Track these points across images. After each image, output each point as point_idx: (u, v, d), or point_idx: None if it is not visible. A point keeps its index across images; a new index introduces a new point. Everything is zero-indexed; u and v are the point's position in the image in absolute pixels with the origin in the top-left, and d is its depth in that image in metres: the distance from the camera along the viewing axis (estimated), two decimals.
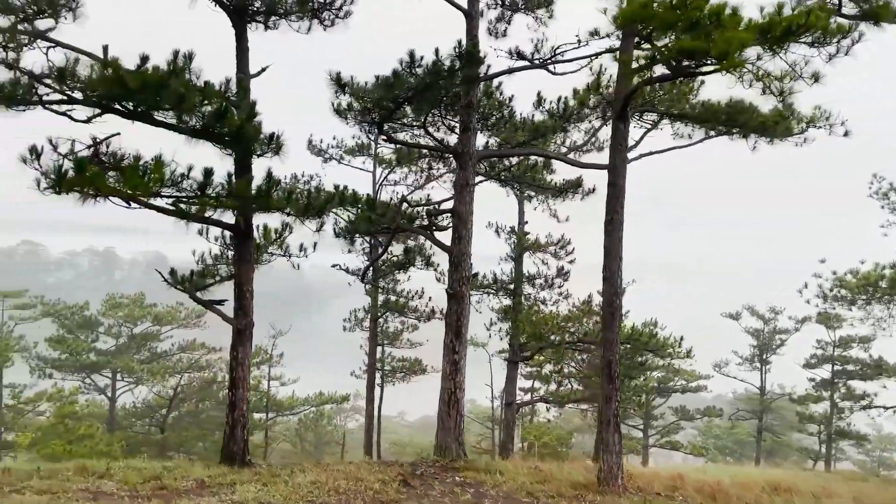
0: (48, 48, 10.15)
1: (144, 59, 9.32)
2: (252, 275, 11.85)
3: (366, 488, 9.26)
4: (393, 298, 25.93)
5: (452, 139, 15.85)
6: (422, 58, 11.38)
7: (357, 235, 16.42)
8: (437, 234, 14.96)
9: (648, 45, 9.28)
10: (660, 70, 10.90)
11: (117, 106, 9.80)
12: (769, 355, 46.04)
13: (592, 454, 34.83)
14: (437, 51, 11.56)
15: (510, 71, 14.00)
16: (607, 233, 11.44)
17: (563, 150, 18.58)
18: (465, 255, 13.67)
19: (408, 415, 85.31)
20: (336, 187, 12.34)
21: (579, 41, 13.09)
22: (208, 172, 9.55)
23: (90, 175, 8.29)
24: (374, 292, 26.18)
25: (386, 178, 26.36)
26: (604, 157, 19.17)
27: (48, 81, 9.36)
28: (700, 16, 7.43)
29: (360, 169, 27.38)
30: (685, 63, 8.23)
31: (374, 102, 11.55)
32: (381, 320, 27.74)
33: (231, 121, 9.67)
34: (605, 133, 17.51)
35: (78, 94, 9.55)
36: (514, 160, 19.40)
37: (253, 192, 9.86)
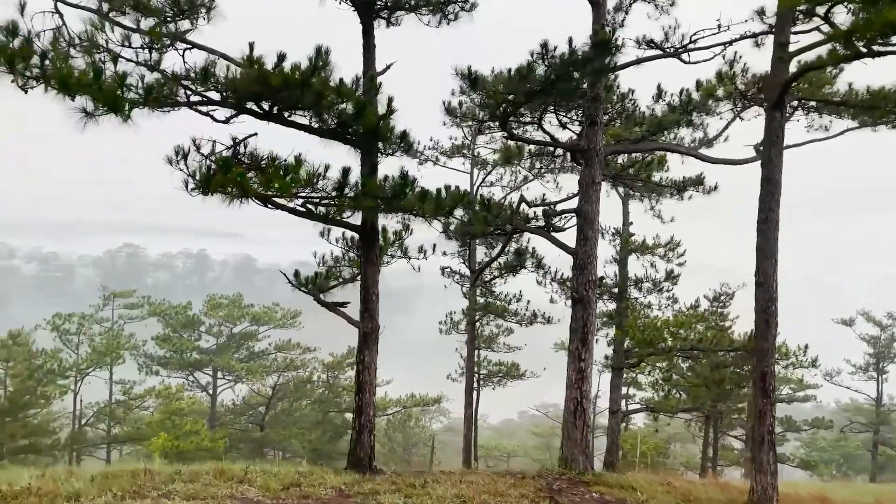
0: (184, 50, 10.16)
1: (281, 57, 9.14)
2: (378, 277, 11.56)
3: None
4: (492, 301, 25.37)
5: (561, 135, 15.16)
6: (555, 48, 10.77)
7: (468, 237, 15.97)
8: (555, 235, 14.28)
9: (825, 25, 8.33)
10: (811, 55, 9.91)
11: (252, 106, 9.70)
12: (886, 364, 42.71)
13: (700, 466, 33.23)
14: (570, 40, 10.92)
15: (638, 61, 13.20)
16: (760, 232, 10.48)
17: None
18: (591, 258, 12.96)
19: (489, 417, 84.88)
20: (448, 188, 11.89)
21: (719, 26, 12.17)
22: (346, 172, 9.30)
23: (236, 175, 8.14)
24: (472, 295, 25.72)
25: (485, 178, 25.93)
26: (716, 153, 18.02)
27: (186, 83, 9.34)
28: None
29: (457, 170, 27.00)
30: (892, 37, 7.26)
31: (503, 97, 11.00)
32: (477, 324, 27.25)
33: (368, 119, 9.37)
34: (733, 127, 16.39)
35: (215, 95, 9.50)
36: (626, 157, 18.50)
37: (388, 192, 9.53)
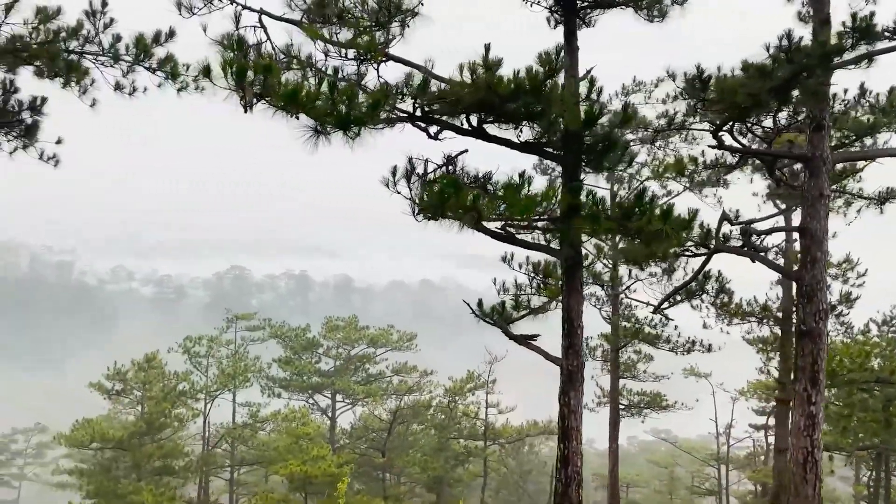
0: (379, 62, 9.32)
1: (497, 63, 8.10)
2: (582, 307, 10.25)
3: None
4: (640, 327, 23.55)
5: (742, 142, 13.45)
6: (800, 38, 9.22)
7: (651, 259, 14.43)
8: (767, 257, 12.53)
9: None
10: None
11: (452, 121, 8.71)
12: None
13: None
14: (814, 30, 9.36)
15: (869, 55, 11.32)
16: None
17: None
18: (820, 283, 11.13)
19: (596, 443, 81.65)
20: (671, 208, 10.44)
21: None
22: (576, 191, 8.09)
23: (469, 198, 7.08)
24: (616, 320, 24.00)
25: (628, 194, 24.26)
26: None
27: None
28: None
29: (597, 187, 25.42)
30: None
31: (743, 98, 9.51)
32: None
33: (595, 130, 8.15)
34: None
35: (412, 108, 8.57)
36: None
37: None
